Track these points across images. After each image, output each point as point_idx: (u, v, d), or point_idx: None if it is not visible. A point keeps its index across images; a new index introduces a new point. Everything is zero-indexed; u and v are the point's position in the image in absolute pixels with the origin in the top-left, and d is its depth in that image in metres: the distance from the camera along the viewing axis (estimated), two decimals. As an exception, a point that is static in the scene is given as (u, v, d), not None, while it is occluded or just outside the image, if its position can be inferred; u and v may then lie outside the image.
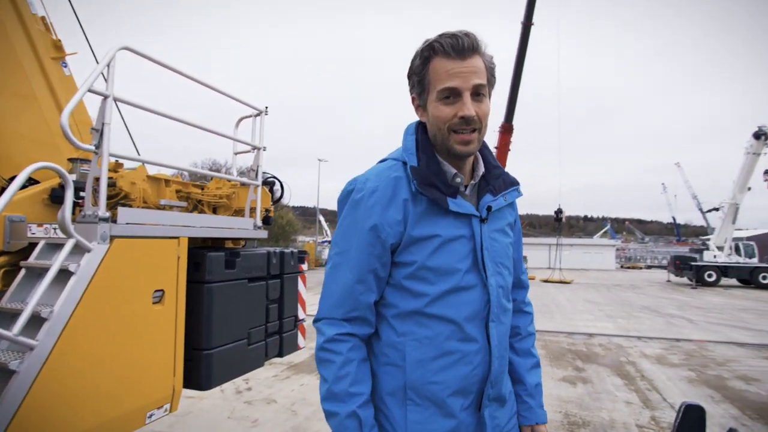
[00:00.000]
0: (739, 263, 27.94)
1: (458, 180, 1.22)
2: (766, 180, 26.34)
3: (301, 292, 3.79)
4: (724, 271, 27.53)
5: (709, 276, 27.39)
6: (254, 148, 3.69)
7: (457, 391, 1.19)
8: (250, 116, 3.74)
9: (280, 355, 3.56)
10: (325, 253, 38.62)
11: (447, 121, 1.14)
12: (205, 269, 2.81)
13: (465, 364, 1.19)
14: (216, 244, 3.42)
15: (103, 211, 2.21)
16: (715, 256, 28.44)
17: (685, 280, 28.81)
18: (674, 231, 74.43)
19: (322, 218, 66.34)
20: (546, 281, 28.72)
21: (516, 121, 18.67)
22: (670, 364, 8.86)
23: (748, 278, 27.39)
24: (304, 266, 3.85)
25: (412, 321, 1.19)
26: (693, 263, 28.05)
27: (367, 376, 1.19)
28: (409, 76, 1.22)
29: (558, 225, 31.26)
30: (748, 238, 32.18)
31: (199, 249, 2.95)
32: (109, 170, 2.59)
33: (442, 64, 1.13)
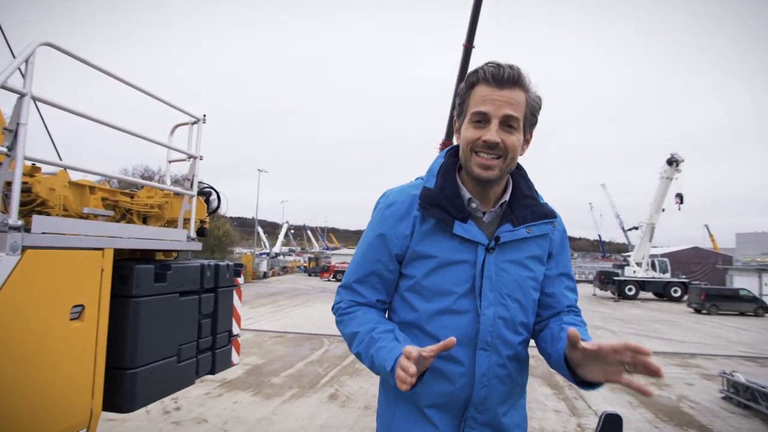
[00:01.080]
0: (654, 278, 30.32)
1: (473, 205, 1.23)
2: (677, 202, 28.91)
3: (237, 307, 3.66)
4: (642, 285, 29.76)
5: (629, 290, 29.49)
6: (190, 156, 3.55)
7: (435, 405, 1.23)
8: (187, 124, 3.61)
9: (212, 372, 3.40)
10: (263, 266, 37.61)
11: (471, 142, 1.17)
12: (132, 283, 2.64)
13: (447, 383, 1.21)
14: (146, 256, 3.23)
15: (14, 219, 2.03)
16: (634, 272, 30.69)
17: (608, 293, 30.82)
18: (600, 248, 79.55)
19: (260, 230, 64.71)
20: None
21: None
22: (594, 373, 9.37)
23: (662, 292, 29.78)
24: (240, 279, 3.73)
25: (411, 333, 1.25)
26: (615, 278, 30.11)
27: (391, 324, 1.27)
28: (455, 98, 1.26)
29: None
30: (663, 255, 35.01)
31: (127, 261, 2.78)
32: (24, 174, 2.39)
33: (481, 90, 1.16)
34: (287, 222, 74.10)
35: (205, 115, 3.62)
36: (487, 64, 1.16)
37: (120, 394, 2.60)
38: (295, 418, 6.57)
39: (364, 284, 1.31)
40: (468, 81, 1.19)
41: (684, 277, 33.33)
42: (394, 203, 1.25)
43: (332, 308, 1.41)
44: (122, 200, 3.36)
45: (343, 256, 48.96)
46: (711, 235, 61.31)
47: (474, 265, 1.20)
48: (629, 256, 33.43)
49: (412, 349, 1.02)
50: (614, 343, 0.97)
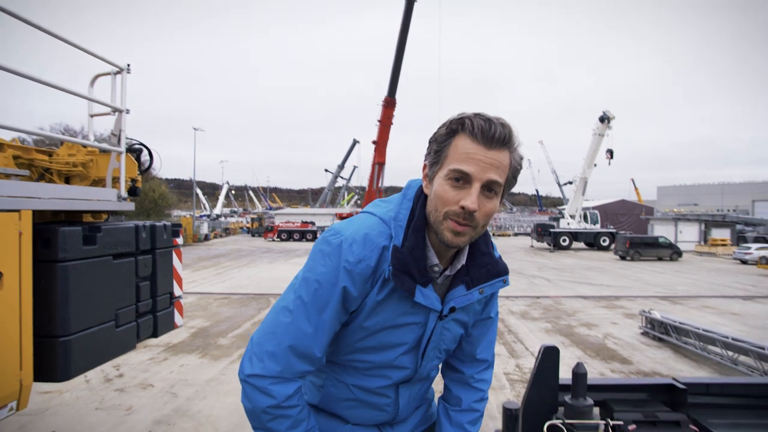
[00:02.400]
0: (586, 229, 32.41)
1: (435, 269, 1.13)
2: (608, 158, 30.64)
3: (177, 268, 3.52)
4: (575, 236, 31.78)
5: (564, 241, 31.42)
6: (115, 110, 3.26)
7: (360, 424, 1.29)
8: (109, 74, 3.29)
9: (155, 335, 3.29)
10: (204, 228, 36.39)
11: (447, 205, 1.03)
12: (57, 246, 2.45)
13: (377, 411, 1.26)
14: (71, 218, 3.00)
15: None
16: (568, 224, 32.64)
17: (545, 244, 32.69)
18: (537, 202, 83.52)
19: (199, 191, 62.07)
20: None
21: (401, 97, 19.19)
22: (531, 318, 10.07)
23: (592, 241, 31.97)
24: (179, 240, 3.57)
25: (342, 368, 1.23)
26: (551, 230, 31.91)
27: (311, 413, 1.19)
28: (430, 142, 1.09)
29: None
30: (594, 208, 37.32)
31: (50, 224, 2.56)
32: None
33: (465, 144, 1.01)
34: (227, 183, 71.66)
35: (129, 65, 3.31)
36: (476, 116, 1.02)
37: (53, 363, 2.46)
38: (245, 377, 6.58)
39: (318, 348, 1.09)
40: (449, 128, 1.04)
41: (612, 227, 35.89)
42: (364, 259, 1.07)
43: (250, 376, 1.08)
44: (39, 158, 3.06)
45: (286, 216, 48.22)
46: (636, 189, 66.00)
47: (423, 327, 1.16)
48: (564, 209, 35.36)
49: None
50: None
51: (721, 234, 31.86)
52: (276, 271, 18.95)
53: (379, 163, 36.65)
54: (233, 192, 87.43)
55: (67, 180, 3.26)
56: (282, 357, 1.06)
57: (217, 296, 12.74)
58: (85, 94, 3.16)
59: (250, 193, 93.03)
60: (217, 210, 63.87)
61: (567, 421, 1.31)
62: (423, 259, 1.09)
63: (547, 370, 1.40)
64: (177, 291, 3.56)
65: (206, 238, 36.12)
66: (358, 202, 60.57)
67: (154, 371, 6.73)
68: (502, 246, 34.26)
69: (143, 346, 7.98)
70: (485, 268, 1.18)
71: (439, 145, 1.05)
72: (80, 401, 5.29)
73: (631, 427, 1.49)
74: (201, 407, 5.50)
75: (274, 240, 37.57)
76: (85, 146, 3.28)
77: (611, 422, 1.29)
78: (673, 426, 1.52)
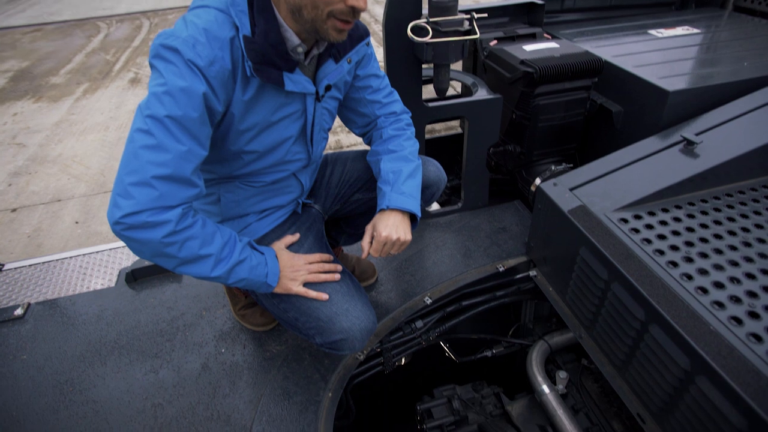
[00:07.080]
0: None
1: (300, 50, 1.02)
2: None
3: None
4: None
5: None
6: None
7: (275, 207, 1.29)
8: None
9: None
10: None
11: (332, 4, 0.91)
12: None
13: (282, 196, 1.26)
14: None
15: None
16: None
17: None
18: None
19: None
20: None
21: None
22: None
23: None
24: None
25: (236, 179, 1.16)
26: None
27: (230, 230, 1.10)
28: None
29: None
30: None
31: None
32: None
33: None
34: None
35: None
36: None
37: None
38: (99, 112, 6.00)
39: (197, 167, 0.94)
40: None
41: None
42: (216, 60, 0.89)
43: (142, 216, 0.87)
44: None
45: None
46: None
47: (303, 114, 1.11)
48: None
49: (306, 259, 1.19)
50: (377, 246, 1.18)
51: None
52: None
53: None
54: None
55: None
56: (156, 184, 0.87)
57: (25, 30, 10.31)
58: None
59: None
60: None
61: (431, 19, 1.26)
62: (282, 43, 0.98)
63: None
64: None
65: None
66: None
67: (-20, 129, 5.81)
68: None
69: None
70: (348, 36, 1.11)
71: None
72: None
73: (492, 42, 1.52)
74: (60, 150, 5.07)
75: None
76: None
77: (475, 15, 1.25)
78: (529, 37, 1.58)
